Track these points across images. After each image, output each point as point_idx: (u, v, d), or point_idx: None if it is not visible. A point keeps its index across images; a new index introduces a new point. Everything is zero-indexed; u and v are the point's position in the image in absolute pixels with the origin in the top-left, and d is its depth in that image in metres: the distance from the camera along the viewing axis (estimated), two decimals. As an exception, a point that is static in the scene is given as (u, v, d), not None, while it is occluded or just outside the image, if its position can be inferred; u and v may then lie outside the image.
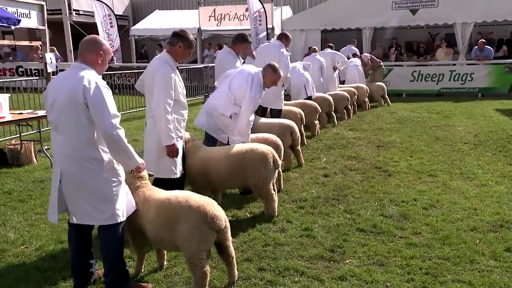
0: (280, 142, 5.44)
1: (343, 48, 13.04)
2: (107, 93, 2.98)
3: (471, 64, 13.98)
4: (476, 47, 13.88)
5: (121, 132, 2.98)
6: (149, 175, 3.56)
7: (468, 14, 13.94)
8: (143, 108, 10.24)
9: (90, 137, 2.98)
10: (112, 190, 3.07)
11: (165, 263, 3.61)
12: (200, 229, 3.01)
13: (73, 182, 3.03)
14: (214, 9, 17.35)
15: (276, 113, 7.14)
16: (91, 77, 2.97)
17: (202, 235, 3.02)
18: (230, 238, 3.23)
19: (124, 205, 3.17)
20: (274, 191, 4.65)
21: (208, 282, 3.10)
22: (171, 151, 4.10)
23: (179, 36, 4.07)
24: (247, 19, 15.80)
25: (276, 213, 4.58)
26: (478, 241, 3.97)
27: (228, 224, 3.18)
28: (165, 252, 3.59)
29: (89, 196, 3.03)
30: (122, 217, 3.14)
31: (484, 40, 13.90)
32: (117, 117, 2.98)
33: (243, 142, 4.98)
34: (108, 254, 3.17)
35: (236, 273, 3.33)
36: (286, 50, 7.28)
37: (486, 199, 5.02)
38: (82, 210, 3.07)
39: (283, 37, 7.42)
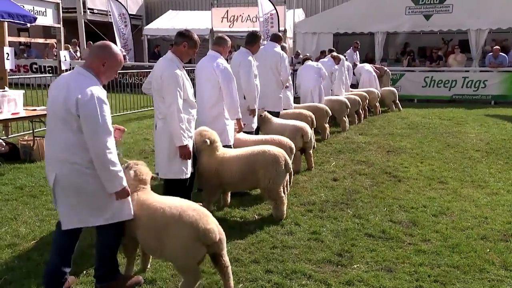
0: (293, 145, 5.45)
1: (346, 52, 13.07)
2: (102, 108, 2.80)
3: (484, 71, 13.84)
4: (491, 53, 13.74)
5: (111, 154, 2.82)
6: (153, 178, 3.50)
7: (482, 20, 13.82)
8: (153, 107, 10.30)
9: (85, 141, 2.83)
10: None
11: (148, 266, 3.56)
12: (191, 244, 2.94)
13: (69, 187, 2.91)
14: (227, 11, 17.43)
15: (275, 116, 7.09)
16: (88, 88, 2.80)
17: (193, 251, 2.96)
18: (225, 248, 3.11)
19: (127, 204, 3.10)
20: (284, 194, 4.64)
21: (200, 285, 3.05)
22: (184, 153, 4.12)
23: (183, 35, 4.09)
24: (259, 21, 15.84)
25: (285, 216, 4.58)
26: (488, 250, 3.93)
27: (223, 236, 3.06)
28: (150, 256, 3.54)
29: (87, 200, 2.94)
30: (123, 216, 3.09)
31: (499, 47, 13.76)
32: (110, 135, 2.84)
33: (237, 119, 5.14)
34: (102, 252, 3.17)
35: (232, 284, 3.18)
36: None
37: (498, 207, 4.96)
38: (81, 213, 2.97)
39: (278, 39, 7.16)
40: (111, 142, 2.85)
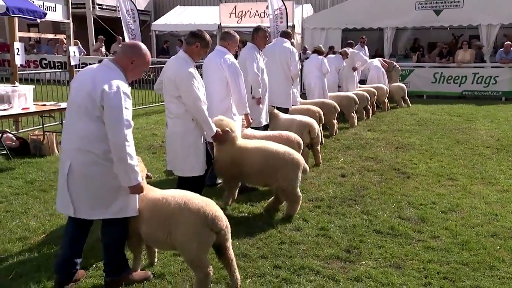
0: (301, 140, 5.44)
1: (354, 47, 13.00)
2: (126, 101, 2.88)
3: (495, 66, 13.66)
4: (502, 49, 13.55)
5: (130, 148, 2.86)
6: (147, 176, 3.47)
7: (493, 15, 13.63)
8: (162, 103, 10.33)
9: (104, 132, 2.89)
10: (121, 185, 3.00)
11: (156, 260, 3.59)
12: (201, 231, 2.93)
13: (82, 177, 2.97)
14: (235, 6, 17.40)
15: (284, 112, 7.09)
16: (114, 81, 2.89)
17: (203, 237, 2.95)
18: (230, 239, 3.11)
19: (133, 200, 3.11)
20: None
21: (211, 281, 3.05)
22: (219, 137, 4.26)
23: (196, 36, 4.11)
24: (267, 17, 15.81)
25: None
26: (498, 247, 3.89)
27: (228, 225, 3.08)
28: (156, 250, 3.56)
29: (98, 191, 2.99)
30: (129, 212, 3.11)
31: (511, 43, 13.56)
32: (130, 127, 2.89)
33: (245, 114, 5.17)
34: (109, 247, 3.19)
35: (239, 277, 3.19)
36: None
37: (508, 205, 4.91)
38: (89, 205, 3.02)
39: (288, 35, 7.27)
40: (130, 136, 2.90)
